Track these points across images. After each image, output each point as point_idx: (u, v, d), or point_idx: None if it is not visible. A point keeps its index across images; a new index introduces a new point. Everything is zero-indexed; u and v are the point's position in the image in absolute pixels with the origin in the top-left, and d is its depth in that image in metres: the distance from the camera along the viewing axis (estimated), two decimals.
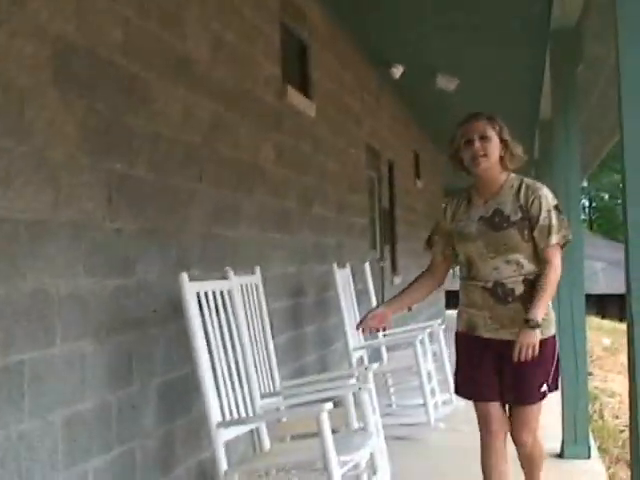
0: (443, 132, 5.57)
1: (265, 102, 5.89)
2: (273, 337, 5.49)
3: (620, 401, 9.56)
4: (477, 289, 3.66)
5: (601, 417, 8.69)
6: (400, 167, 12.33)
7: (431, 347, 7.05)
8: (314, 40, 7.33)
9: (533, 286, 3.55)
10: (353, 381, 4.08)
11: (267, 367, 4.61)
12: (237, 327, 3.95)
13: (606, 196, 51.14)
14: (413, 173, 13.88)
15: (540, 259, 3.59)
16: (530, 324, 3.44)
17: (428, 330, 6.83)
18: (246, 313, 4.40)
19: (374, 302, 7.50)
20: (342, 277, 6.72)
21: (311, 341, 6.90)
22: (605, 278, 33.32)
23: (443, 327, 7.26)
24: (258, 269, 4.77)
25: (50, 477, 3.11)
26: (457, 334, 3.79)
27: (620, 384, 10.36)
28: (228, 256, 5.00)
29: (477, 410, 3.72)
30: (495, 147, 3.58)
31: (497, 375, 3.63)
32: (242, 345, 3.94)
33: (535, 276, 3.57)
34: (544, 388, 3.60)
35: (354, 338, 6.59)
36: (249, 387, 3.88)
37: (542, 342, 3.51)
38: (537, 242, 3.57)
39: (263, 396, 4.24)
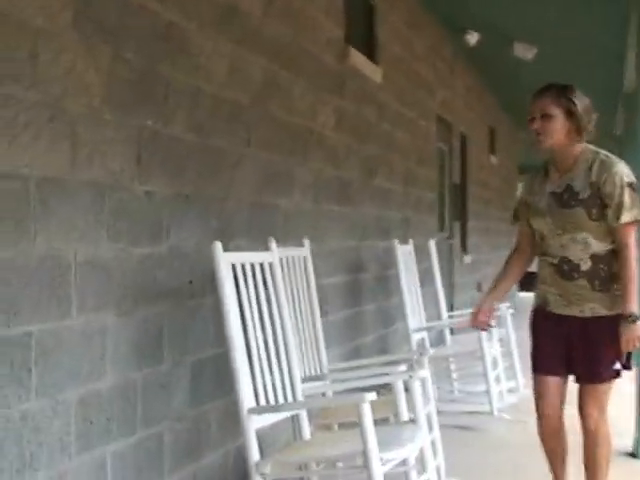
0: (520, 107, 5.30)
1: (324, 63, 5.51)
2: (325, 314, 5.14)
3: None
4: (546, 265, 3.62)
5: None
6: (473, 141, 11.81)
7: (498, 332, 6.60)
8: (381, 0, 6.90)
9: (600, 262, 3.48)
10: (403, 368, 3.68)
11: (314, 348, 4.25)
12: (278, 304, 3.57)
13: None
14: (487, 148, 13.33)
15: (610, 236, 3.49)
16: (630, 319, 3.39)
17: (496, 314, 6.36)
18: (291, 289, 4.04)
19: (439, 282, 7.07)
20: (404, 254, 6.31)
21: (370, 320, 6.53)
22: None
23: (512, 311, 6.79)
24: (307, 242, 4.40)
25: (60, 462, 2.80)
26: (534, 310, 3.74)
27: None
28: (279, 227, 4.66)
29: (538, 384, 3.65)
30: (558, 124, 3.47)
31: (567, 351, 3.57)
32: (283, 324, 3.56)
33: (605, 253, 3.49)
34: (617, 366, 3.49)
35: (415, 319, 6.19)
36: (289, 370, 3.49)
37: (614, 318, 3.46)
38: (609, 221, 3.46)
39: (307, 379, 3.88)
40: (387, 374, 3.67)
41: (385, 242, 6.66)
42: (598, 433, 3.56)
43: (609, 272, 3.51)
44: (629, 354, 3.52)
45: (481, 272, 12.34)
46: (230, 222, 4.08)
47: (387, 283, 6.85)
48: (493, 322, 3.95)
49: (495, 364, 6.33)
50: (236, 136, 4.17)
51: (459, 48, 9.64)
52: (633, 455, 5.05)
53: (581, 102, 3.50)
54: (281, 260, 3.99)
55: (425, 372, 3.97)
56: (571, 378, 3.67)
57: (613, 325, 3.44)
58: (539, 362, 3.65)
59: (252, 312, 3.37)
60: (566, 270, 3.53)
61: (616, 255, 3.49)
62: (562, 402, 3.65)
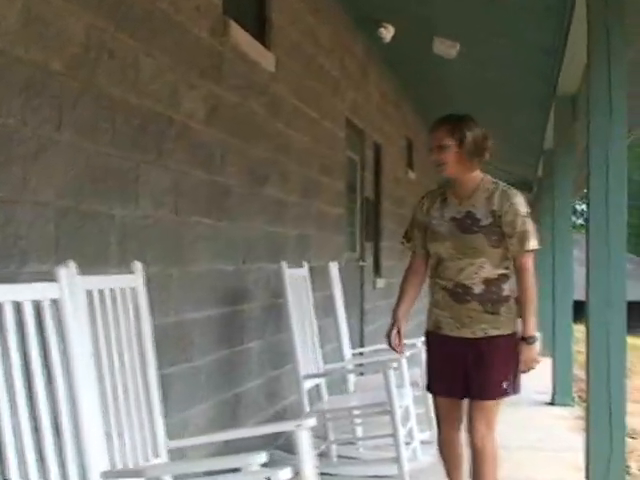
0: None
1: (192, 34, 4.29)
2: (188, 360, 3.95)
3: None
4: (440, 290, 3.74)
5: None
6: (389, 153, 10.72)
7: (410, 373, 5.45)
8: None
9: (492, 285, 3.65)
10: (256, 466, 2.44)
11: (145, 421, 2.96)
12: (67, 359, 2.31)
13: None
14: (405, 162, 12.27)
15: (504, 262, 3.68)
16: (528, 341, 3.61)
17: (406, 353, 5.19)
18: (106, 334, 2.75)
19: (341, 314, 5.89)
20: (296, 280, 5.11)
21: (256, 361, 5.30)
22: None
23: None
24: (139, 266, 3.11)
25: None
26: (426, 333, 3.87)
27: None
28: (109, 245, 3.41)
29: (437, 406, 3.84)
30: (452, 155, 3.64)
31: (463, 372, 3.67)
32: (73, 390, 2.29)
33: (497, 277, 3.66)
34: (505, 385, 3.64)
35: (307, 362, 4.98)
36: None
37: (502, 338, 3.65)
38: (513, 248, 3.64)
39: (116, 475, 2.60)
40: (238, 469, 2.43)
41: (276, 264, 5.44)
42: (485, 450, 3.66)
43: (499, 295, 3.66)
44: (517, 378, 3.68)
45: (395, 297, 11.20)
46: (23, 237, 2.82)
47: (279, 314, 5.62)
48: (404, 348, 4.01)
49: (407, 415, 5.17)
50: (38, 114, 2.92)
51: (373, 45, 8.54)
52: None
53: (473, 133, 3.65)
54: (95, 293, 2.72)
55: (313, 421, 2.83)
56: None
57: (502, 345, 3.65)
58: (436, 385, 3.81)
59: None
60: (460, 293, 3.66)
61: (505, 279, 3.69)
62: (460, 422, 3.81)
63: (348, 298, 8.33)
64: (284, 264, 4.90)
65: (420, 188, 13.86)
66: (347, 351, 5.77)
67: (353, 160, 8.66)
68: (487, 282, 3.65)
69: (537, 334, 3.66)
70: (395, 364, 4.84)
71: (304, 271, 5.29)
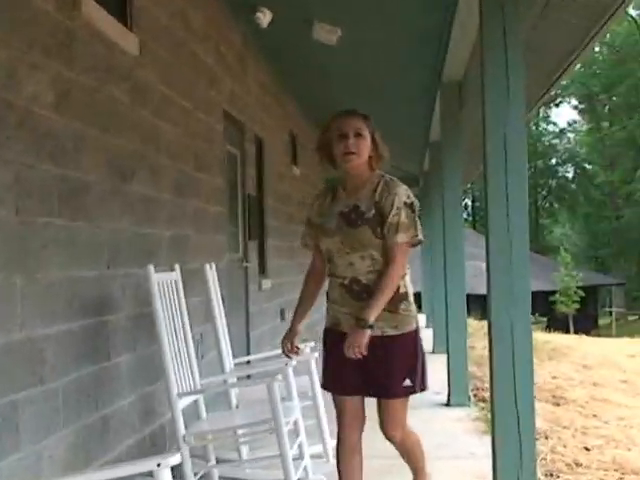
0: (323, 113, 4.84)
1: (32, 6, 3.70)
2: (38, 383, 3.38)
3: None
4: (337, 286, 3.70)
5: None
6: (272, 148, 10.25)
7: (298, 382, 4.99)
8: None
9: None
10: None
11: None
12: None
13: None
14: (289, 157, 11.82)
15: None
16: (360, 324, 3.50)
17: (293, 361, 4.72)
18: None
19: (220, 319, 5.38)
20: (165, 285, 4.56)
21: (126, 378, 4.74)
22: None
23: (316, 355, 5.19)
24: None
25: None
26: (325, 330, 3.82)
27: None
28: None
29: (336, 404, 3.78)
30: (367, 146, 3.63)
31: (360, 370, 3.62)
32: None
33: None
34: (407, 383, 3.61)
35: (182, 376, 4.44)
36: None
37: (401, 337, 3.62)
38: (386, 238, 3.58)
39: None
40: None
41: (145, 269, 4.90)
42: (405, 445, 3.78)
43: (397, 293, 3.60)
44: (423, 373, 3.68)
45: (284, 297, 10.76)
46: None
47: (151, 324, 5.06)
48: (299, 350, 3.95)
49: (296, 430, 4.70)
50: None
51: (250, 32, 8.04)
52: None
53: (378, 130, 3.70)
54: None
55: (176, 459, 2.34)
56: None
57: (402, 344, 3.63)
58: (333, 384, 3.76)
59: None
60: (356, 290, 3.62)
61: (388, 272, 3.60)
62: (361, 421, 3.77)
63: (232, 302, 7.85)
64: (151, 268, 4.35)
65: (305, 185, 13.46)
66: (228, 361, 5.25)
67: (233, 155, 8.14)
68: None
69: (414, 328, 3.66)
70: (280, 376, 4.36)
71: (175, 275, 4.74)
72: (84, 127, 4.22)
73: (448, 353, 7.52)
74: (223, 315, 5.23)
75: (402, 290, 3.65)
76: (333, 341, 3.73)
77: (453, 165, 7.60)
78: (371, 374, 3.62)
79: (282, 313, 10.49)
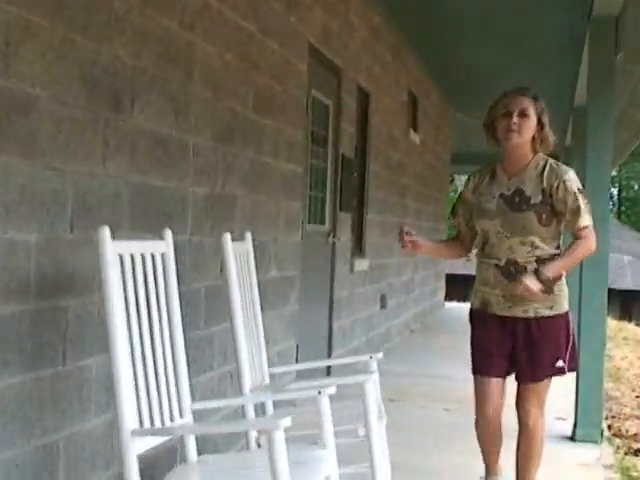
0: (453, 78, 4.65)
1: None
2: None
3: None
4: (490, 267, 3.66)
5: None
6: (382, 105, 8.69)
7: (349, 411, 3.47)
8: None
9: (544, 264, 3.54)
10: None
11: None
12: None
13: (636, 185, 47.46)
14: (406, 121, 10.21)
15: (556, 241, 3.65)
16: (539, 275, 3.50)
17: (342, 381, 3.18)
18: None
19: (240, 316, 3.80)
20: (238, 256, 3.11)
21: (95, 389, 3.33)
22: (632, 273, 30.42)
23: (375, 375, 3.58)
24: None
25: None
26: (472, 311, 3.79)
27: None
28: None
29: (477, 386, 3.72)
30: (531, 126, 3.57)
31: (510, 351, 3.64)
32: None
33: (550, 256, 3.58)
34: (560, 363, 3.61)
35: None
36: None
37: (553, 318, 3.62)
38: (569, 226, 3.60)
39: None
40: None
41: (150, 235, 3.46)
42: (536, 429, 3.69)
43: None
44: (574, 355, 3.70)
45: (386, 281, 9.24)
46: None
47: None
48: (411, 243, 3.71)
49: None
50: None
51: None
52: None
53: (548, 114, 3.63)
54: None
55: None
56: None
57: (555, 325, 3.64)
58: (481, 364, 3.69)
59: None
60: (512, 272, 3.58)
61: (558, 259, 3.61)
62: (502, 403, 3.72)
63: (310, 285, 6.40)
64: (227, 237, 2.92)
65: (426, 155, 11.83)
66: (255, 375, 3.67)
67: (322, 104, 6.64)
68: (540, 262, 3.57)
69: (565, 311, 3.65)
70: (324, 399, 2.83)
71: (247, 245, 3.30)
72: (26, 11, 2.80)
73: (578, 368, 5.78)
74: (256, 308, 3.73)
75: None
76: (483, 323, 3.72)
77: (601, 136, 5.84)
78: (523, 356, 3.63)
79: (383, 299, 8.97)
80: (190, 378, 4.10)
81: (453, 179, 26.15)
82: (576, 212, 3.55)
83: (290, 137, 5.63)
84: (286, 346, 5.79)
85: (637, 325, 19.69)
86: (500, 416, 3.73)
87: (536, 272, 3.51)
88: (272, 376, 3.80)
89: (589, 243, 3.60)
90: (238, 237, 3.76)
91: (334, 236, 6.94)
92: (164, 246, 3.00)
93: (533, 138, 3.60)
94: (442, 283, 13.95)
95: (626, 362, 9.72)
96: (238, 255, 3.56)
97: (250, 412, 3.30)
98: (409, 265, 10.61)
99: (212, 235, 4.29)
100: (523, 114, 3.55)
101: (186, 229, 4.06)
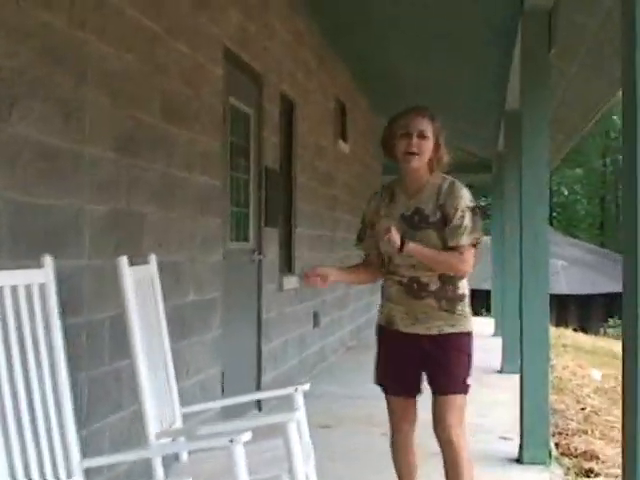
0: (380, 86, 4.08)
1: None
2: None
3: None
4: (394, 284, 3.64)
5: None
6: (308, 114, 8.29)
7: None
8: None
9: (449, 283, 3.56)
10: None
11: None
12: None
13: (566, 191, 48.04)
14: (334, 130, 9.83)
15: None
16: (403, 240, 3.46)
17: (260, 421, 2.74)
18: None
19: (140, 352, 3.33)
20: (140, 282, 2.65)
21: None
22: (566, 277, 30.65)
23: (302, 394, 3.16)
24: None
25: None
26: (378, 327, 3.76)
27: None
28: None
29: (390, 404, 3.69)
30: (429, 148, 3.55)
31: (417, 369, 3.61)
32: None
33: (452, 274, 3.57)
34: (469, 381, 3.57)
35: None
36: None
37: (459, 335, 3.59)
38: (447, 240, 3.52)
39: None
40: None
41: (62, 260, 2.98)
42: (459, 443, 3.54)
43: (455, 293, 3.58)
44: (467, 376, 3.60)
45: (320, 298, 8.82)
46: None
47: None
48: (320, 284, 3.59)
49: None
50: None
51: None
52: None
53: (444, 134, 3.59)
54: None
55: None
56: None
57: (460, 342, 3.58)
58: (388, 383, 3.66)
59: None
60: (415, 289, 3.57)
61: (461, 277, 3.60)
62: (414, 419, 3.69)
63: (235, 306, 5.95)
64: (123, 260, 2.45)
65: (356, 165, 11.47)
66: (153, 425, 3.17)
67: (243, 113, 6.21)
68: (443, 279, 3.57)
69: (467, 330, 3.60)
70: (236, 444, 2.40)
71: (151, 269, 2.84)
72: None
73: (522, 378, 5.43)
74: (164, 340, 3.27)
75: (460, 291, 3.61)
76: (387, 339, 3.69)
77: (537, 139, 5.49)
78: (433, 371, 3.58)
79: (316, 317, 8.56)
80: (95, 421, 3.63)
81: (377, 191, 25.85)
82: (455, 229, 3.49)
83: (206, 148, 5.19)
84: (210, 374, 5.32)
85: (574, 330, 19.64)
86: (412, 431, 3.68)
87: (402, 240, 3.45)
88: (185, 416, 3.34)
89: (460, 261, 3.51)
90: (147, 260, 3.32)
91: (259, 253, 6.50)
92: (42, 275, 2.53)
93: (430, 158, 3.56)
94: (377, 297, 13.59)
95: (568, 372, 9.46)
96: (141, 280, 3.11)
97: (157, 466, 2.83)
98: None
99: (116, 258, 3.82)
100: (422, 135, 3.52)
101: (83, 252, 3.59)
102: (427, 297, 3.54)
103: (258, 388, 6.53)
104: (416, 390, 3.64)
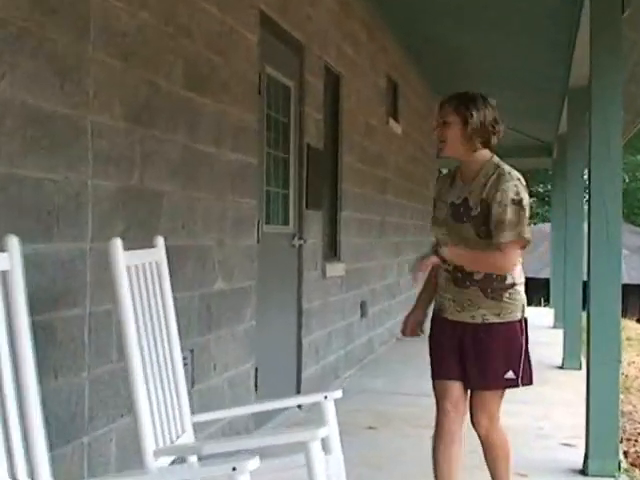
0: (444, 73, 4.59)
1: None
2: None
3: None
4: (442, 272, 3.60)
5: None
6: (356, 90, 7.77)
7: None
8: None
9: (492, 273, 3.45)
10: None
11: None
12: None
13: (626, 178, 46.74)
14: (385, 108, 9.29)
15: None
16: (441, 250, 3.48)
17: (275, 440, 2.25)
18: None
19: (135, 352, 2.84)
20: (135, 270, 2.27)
21: None
22: (627, 266, 29.64)
23: (333, 403, 2.69)
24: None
25: None
26: (432, 316, 3.70)
27: None
28: None
29: (436, 388, 3.59)
30: (456, 134, 3.47)
31: (461, 357, 3.51)
32: None
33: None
34: (510, 375, 3.47)
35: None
36: None
37: (504, 325, 3.49)
38: (493, 238, 3.38)
39: None
40: None
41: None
42: (491, 440, 3.56)
43: (502, 283, 3.46)
44: (529, 369, 3.51)
45: (368, 286, 8.31)
46: None
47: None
48: (421, 333, 3.76)
49: None
50: None
51: None
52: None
53: (481, 113, 3.46)
54: None
55: None
56: None
57: (505, 333, 3.49)
58: (437, 368, 3.60)
59: None
60: (460, 278, 3.51)
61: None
62: (463, 410, 3.55)
63: (272, 295, 5.48)
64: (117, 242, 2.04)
65: (409, 146, 10.92)
66: (150, 443, 2.67)
67: (281, 84, 5.72)
68: (486, 274, 3.45)
69: (520, 317, 3.47)
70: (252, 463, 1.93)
71: (156, 254, 2.40)
72: None
73: (588, 378, 4.85)
74: (172, 339, 2.80)
75: (509, 281, 3.48)
76: (438, 327, 3.62)
77: (609, 116, 4.83)
78: (471, 362, 3.48)
79: (363, 307, 8.06)
80: (99, 427, 3.21)
81: (441, 173, 25.26)
82: (499, 225, 3.37)
83: (238, 121, 4.71)
84: (242, 370, 4.87)
85: (637, 322, 18.80)
86: (461, 416, 3.52)
87: (435, 251, 3.51)
88: (196, 426, 2.87)
89: (505, 260, 3.41)
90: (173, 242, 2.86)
91: (300, 238, 6.01)
92: (6, 261, 2.07)
93: (465, 140, 3.46)
94: None
95: (634, 368, 8.80)
96: (140, 268, 2.64)
97: None
98: (393, 267, 9.68)
99: (127, 241, 3.36)
100: (445, 123, 3.50)
101: (85, 234, 3.13)
102: (472, 286, 3.48)
103: (298, 383, 6.07)
104: (461, 376, 3.52)
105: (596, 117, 4.88)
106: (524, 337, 3.51)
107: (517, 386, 3.49)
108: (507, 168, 3.48)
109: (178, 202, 3.95)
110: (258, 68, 5.05)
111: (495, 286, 3.46)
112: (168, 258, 2.88)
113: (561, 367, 8.03)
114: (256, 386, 5.09)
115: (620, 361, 4.98)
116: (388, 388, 6.97)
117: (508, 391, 3.49)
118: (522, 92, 10.64)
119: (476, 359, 3.48)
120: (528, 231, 3.44)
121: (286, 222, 5.85)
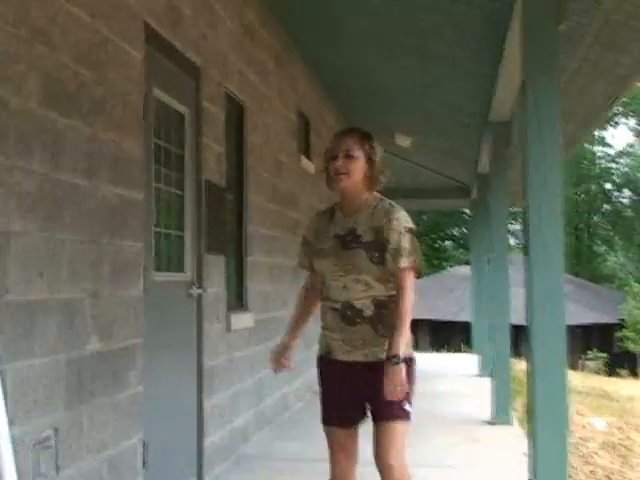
0: (359, 109, 2.36)
1: None
2: None
3: None
4: (329, 310, 3.58)
5: None
6: (265, 124, 7.10)
7: None
8: None
9: (383, 307, 3.47)
10: None
11: None
12: None
13: None
14: (297, 145, 8.64)
15: (392, 282, 3.48)
16: (394, 361, 3.36)
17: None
18: None
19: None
20: None
21: None
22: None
23: None
24: None
25: None
26: (318, 358, 3.66)
27: None
28: None
29: (329, 436, 3.58)
30: (359, 167, 3.50)
31: (357, 398, 3.51)
32: None
33: (387, 298, 3.48)
34: (407, 407, 3.45)
35: None
36: None
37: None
38: (389, 265, 3.45)
39: None
40: None
41: None
42: (401, 470, 3.45)
43: (391, 317, 3.46)
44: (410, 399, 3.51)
45: (279, 337, 7.53)
46: None
47: None
48: (292, 364, 3.76)
49: None
50: None
51: None
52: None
53: (379, 152, 3.56)
54: None
55: None
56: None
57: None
58: (327, 413, 3.59)
59: None
60: (349, 316, 3.50)
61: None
62: (353, 453, 3.56)
63: (164, 354, 4.71)
64: None
65: (324, 187, 10.26)
66: None
67: (174, 111, 5.00)
68: (378, 304, 3.47)
69: (407, 355, 3.38)
70: None
71: None
72: None
73: (535, 439, 4.21)
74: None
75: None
76: (327, 369, 3.59)
77: (545, 135, 4.28)
78: (372, 399, 3.45)
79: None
80: None
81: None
82: (397, 252, 3.44)
83: (116, 150, 3.96)
84: (124, 448, 4.06)
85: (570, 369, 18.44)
86: (352, 472, 3.54)
87: (388, 360, 3.35)
88: None
89: (408, 293, 3.43)
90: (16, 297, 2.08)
91: (199, 287, 5.25)
92: None
93: (365, 177, 3.51)
94: None
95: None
96: None
97: None
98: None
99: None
100: (348, 155, 3.48)
101: None
102: (362, 323, 3.47)
103: (200, 454, 5.28)
104: (355, 421, 3.53)
105: (532, 139, 4.30)
106: (413, 372, 3.50)
107: (409, 420, 3.46)
108: (389, 201, 3.56)
109: (34, 245, 3.18)
110: (142, 89, 4.33)
111: (385, 322, 3.44)
112: (19, 315, 2.11)
113: (491, 422, 7.38)
114: (144, 464, 4.29)
115: (567, 417, 4.39)
116: (301, 453, 6.20)
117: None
118: (441, 128, 10.16)
119: (376, 394, 3.40)
120: (420, 260, 3.49)
121: (181, 269, 5.10)
